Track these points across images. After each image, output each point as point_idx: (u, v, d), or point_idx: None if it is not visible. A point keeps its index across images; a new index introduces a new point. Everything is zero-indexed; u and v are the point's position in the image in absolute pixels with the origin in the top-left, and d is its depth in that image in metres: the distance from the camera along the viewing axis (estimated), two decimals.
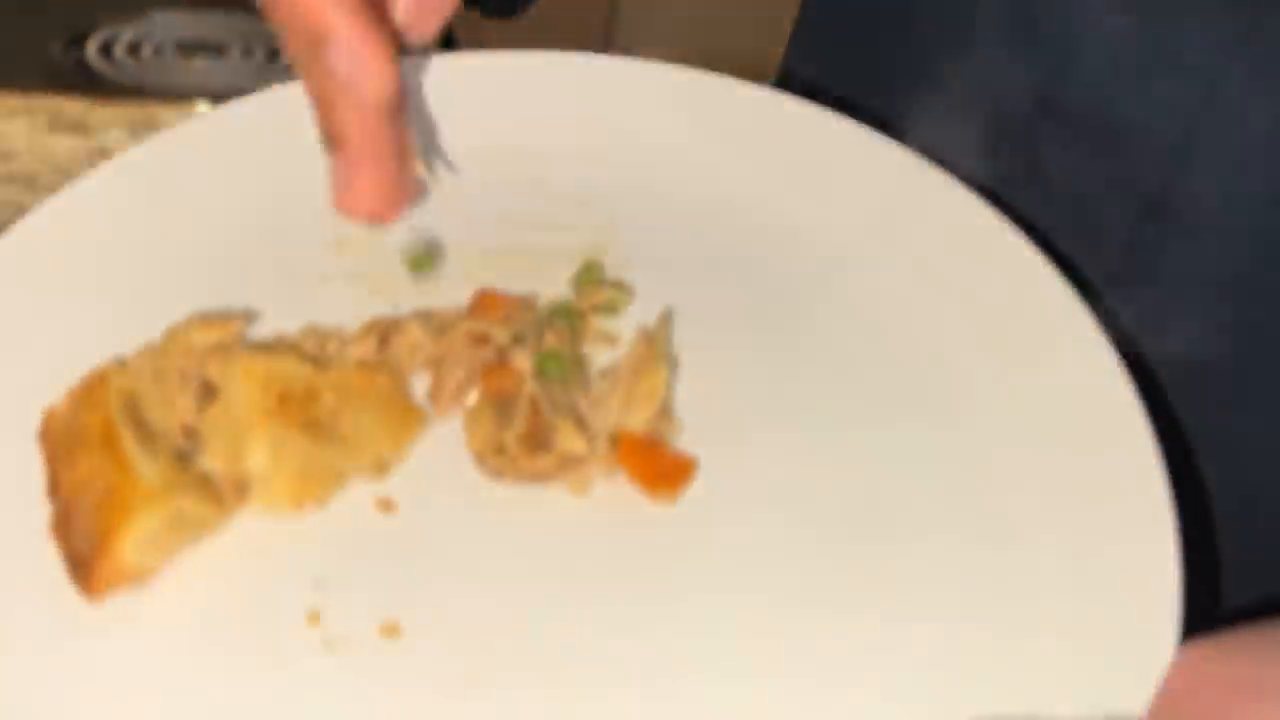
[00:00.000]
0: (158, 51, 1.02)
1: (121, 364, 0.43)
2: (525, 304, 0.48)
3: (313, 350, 0.46)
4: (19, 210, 0.76)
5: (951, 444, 0.45)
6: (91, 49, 0.99)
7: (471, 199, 0.52)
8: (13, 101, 0.91)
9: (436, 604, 0.41)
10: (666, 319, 0.47)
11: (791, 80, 0.70)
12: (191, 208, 0.51)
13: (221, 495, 0.42)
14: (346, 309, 0.48)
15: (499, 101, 0.54)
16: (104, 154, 0.86)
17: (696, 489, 0.44)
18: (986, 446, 0.45)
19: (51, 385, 0.43)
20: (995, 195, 0.51)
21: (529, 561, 0.42)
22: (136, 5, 1.05)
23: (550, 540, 0.43)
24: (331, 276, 0.49)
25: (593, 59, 0.55)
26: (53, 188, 0.79)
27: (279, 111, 0.52)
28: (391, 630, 0.40)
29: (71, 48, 0.99)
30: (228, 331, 0.44)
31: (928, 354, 0.48)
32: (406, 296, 0.49)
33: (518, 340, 0.46)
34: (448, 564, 0.42)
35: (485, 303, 0.48)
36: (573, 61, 0.55)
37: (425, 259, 0.48)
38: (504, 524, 0.43)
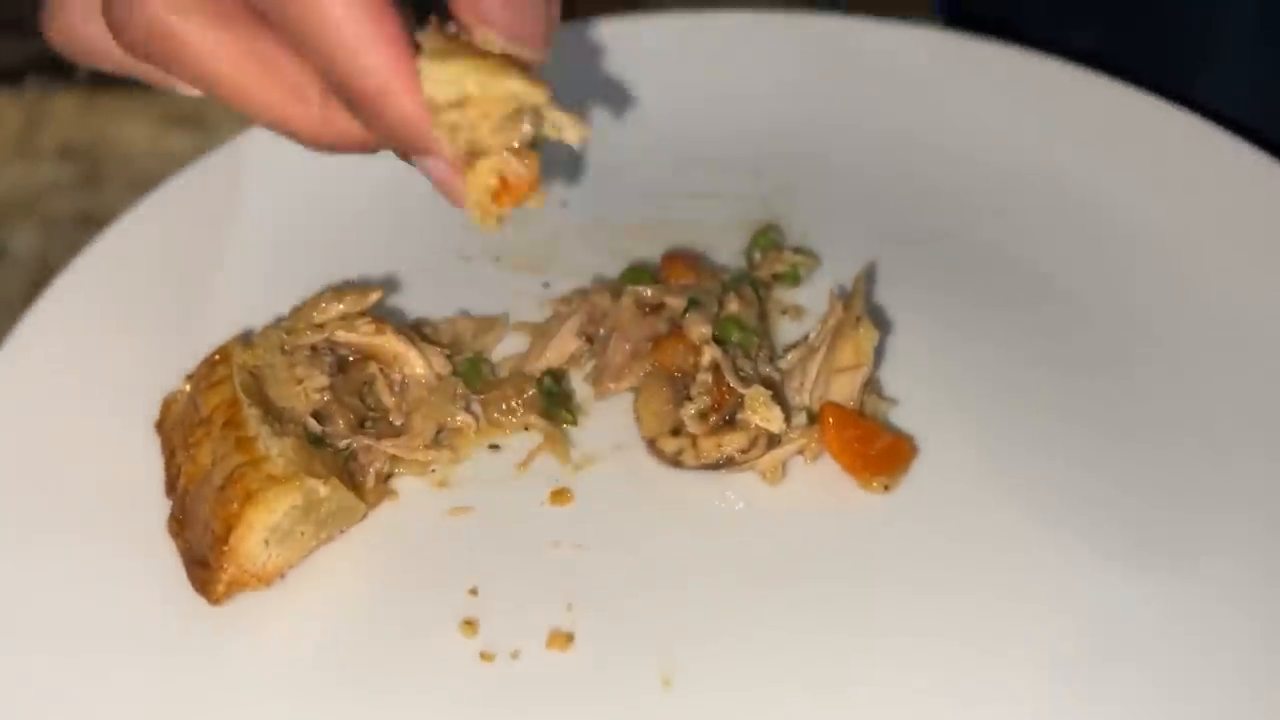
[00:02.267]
0: None
1: (246, 340, 0.38)
2: (712, 270, 0.42)
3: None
4: None
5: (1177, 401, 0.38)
6: None
7: (631, 161, 0.47)
8: (123, 100, 0.91)
9: (612, 611, 0.35)
10: (864, 279, 0.41)
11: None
12: (317, 187, 0.46)
13: (362, 484, 0.36)
14: (490, 288, 0.43)
15: (656, 68, 0.49)
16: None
17: (916, 476, 0.37)
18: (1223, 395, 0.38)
19: (169, 373, 0.38)
20: (1271, 89, 0.47)
21: (715, 562, 0.36)
22: None
23: (740, 537, 0.37)
24: (473, 255, 0.44)
25: (756, 16, 0.50)
26: None
27: None
28: (562, 640, 0.34)
29: None
30: (366, 302, 0.39)
31: (1170, 321, 0.41)
32: (554, 272, 0.44)
33: (695, 306, 0.39)
34: (625, 566, 0.36)
35: (675, 264, 0.43)
36: (738, 19, 0.50)
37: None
38: (693, 520, 0.37)
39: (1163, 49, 0.50)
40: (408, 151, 0.36)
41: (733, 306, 0.40)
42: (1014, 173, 0.46)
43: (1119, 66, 0.48)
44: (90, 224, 0.76)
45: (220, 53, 0.35)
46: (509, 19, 0.34)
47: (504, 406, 0.40)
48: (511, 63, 0.33)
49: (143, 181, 0.81)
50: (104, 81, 0.90)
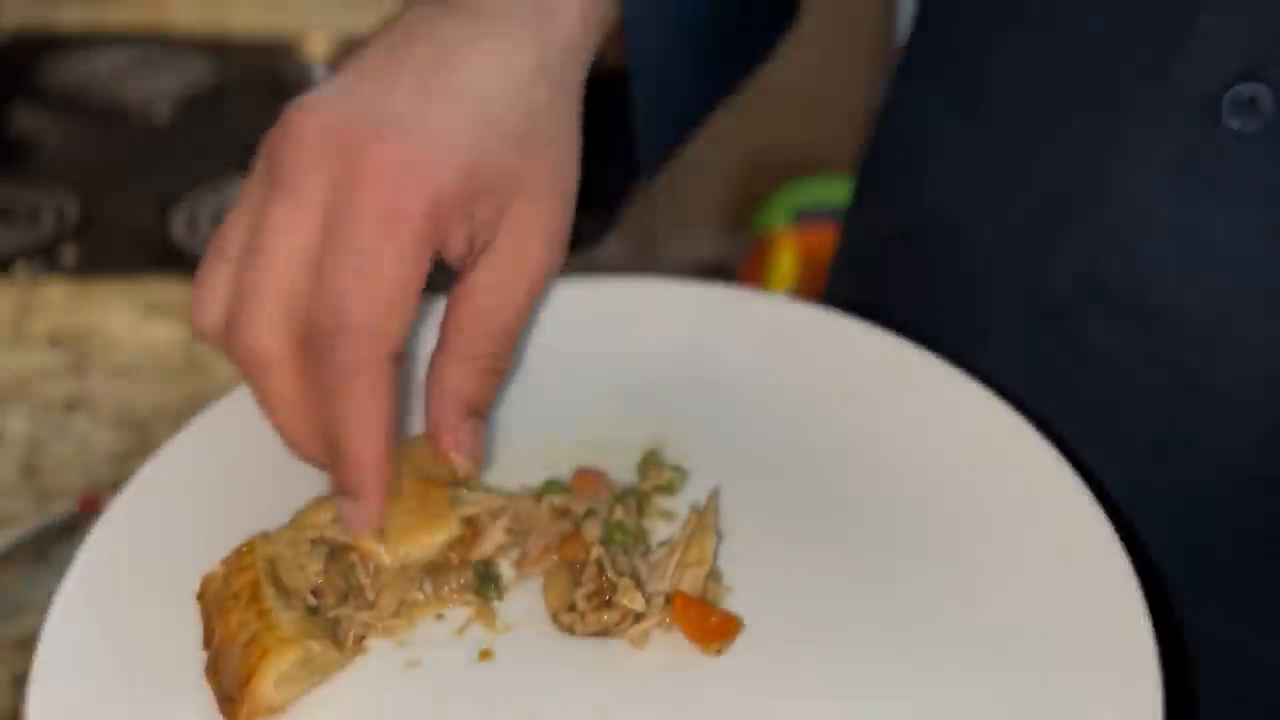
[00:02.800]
0: None
1: (265, 536, 0.53)
2: (606, 482, 0.57)
3: None
4: (127, 405, 0.84)
5: (962, 608, 0.53)
6: (177, 223, 1.08)
7: (555, 398, 0.63)
8: (112, 288, 0.98)
9: None
10: (715, 496, 0.56)
11: (834, 300, 0.80)
12: None
13: (343, 642, 0.51)
14: None
15: (582, 322, 0.66)
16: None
17: (742, 643, 0.52)
18: (986, 593, 0.53)
19: (209, 558, 0.54)
20: (1035, 364, 0.59)
21: (600, 705, 0.50)
22: (216, 172, 1.16)
23: (616, 685, 0.51)
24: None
25: (657, 283, 0.66)
26: (157, 378, 0.87)
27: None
28: None
29: (159, 223, 1.08)
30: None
31: (948, 536, 0.56)
32: (489, 481, 0.58)
33: (590, 514, 0.55)
34: (530, 705, 0.50)
35: (585, 478, 0.58)
36: (640, 285, 0.66)
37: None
38: (578, 671, 0.52)
39: (952, 324, 0.63)
40: (342, 486, 0.50)
41: (619, 514, 0.56)
42: (839, 422, 0.61)
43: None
44: (77, 408, 0.84)
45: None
46: (478, 455, 0.53)
47: (449, 586, 0.55)
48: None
49: (125, 370, 0.88)
50: (90, 272, 0.99)
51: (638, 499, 0.57)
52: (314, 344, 0.47)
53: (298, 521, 0.54)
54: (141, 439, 0.82)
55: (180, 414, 0.84)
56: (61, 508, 0.74)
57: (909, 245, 0.70)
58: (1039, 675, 0.50)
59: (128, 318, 0.95)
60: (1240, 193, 0.52)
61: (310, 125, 0.48)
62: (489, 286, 0.51)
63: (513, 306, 0.52)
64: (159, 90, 1.33)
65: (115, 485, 0.55)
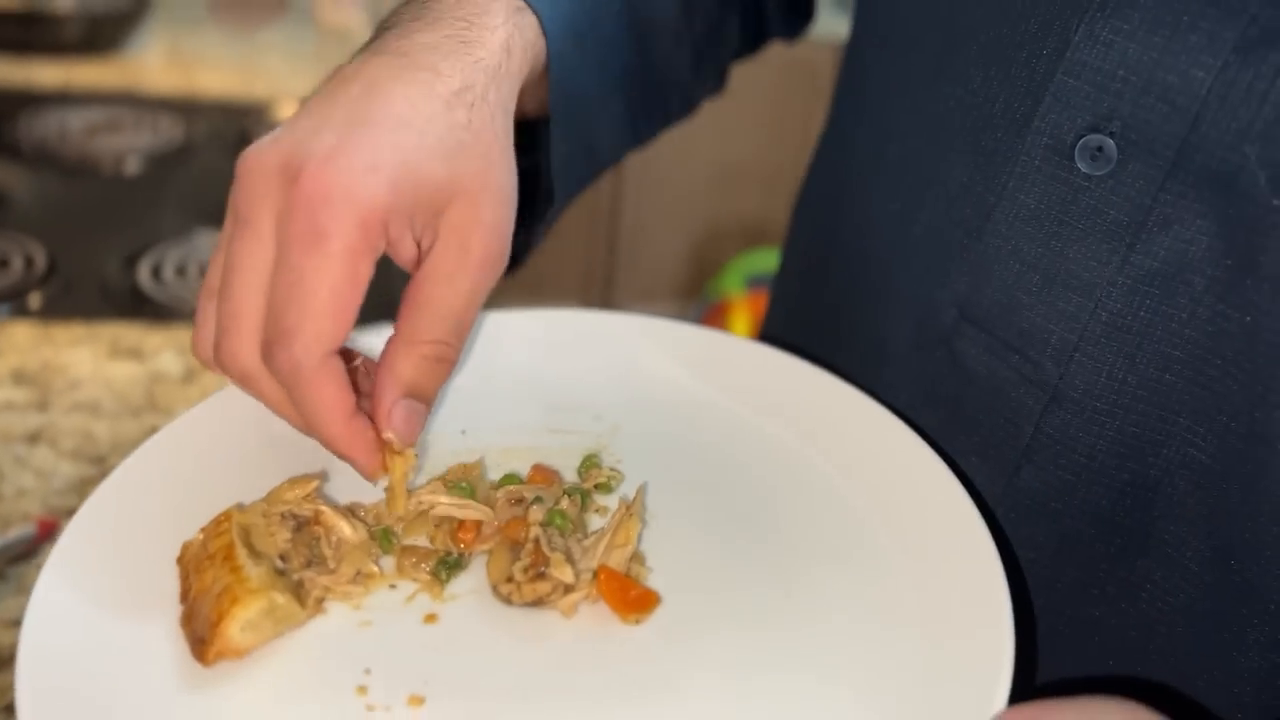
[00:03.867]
0: (201, 271, 1.12)
1: (241, 507, 0.60)
2: (558, 479, 0.65)
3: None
4: (88, 438, 0.87)
5: (853, 592, 0.60)
6: (143, 272, 1.12)
7: (512, 412, 0.71)
8: (77, 330, 1.01)
9: (454, 687, 0.55)
10: (642, 490, 0.64)
11: (768, 334, 0.88)
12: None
13: (305, 601, 0.58)
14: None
15: (535, 348, 0.74)
16: (157, 378, 0.95)
17: (659, 617, 0.59)
18: (874, 579, 0.60)
19: (190, 528, 0.60)
20: (925, 381, 0.66)
21: (529, 663, 0.57)
22: (182, 225, 1.21)
23: (546, 649, 0.57)
24: None
25: (604, 315, 0.75)
26: (117, 414, 0.90)
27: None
28: (417, 701, 0.55)
29: (125, 271, 1.12)
30: (309, 486, 0.61)
31: (845, 532, 0.63)
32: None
33: (537, 500, 0.62)
34: (467, 661, 0.57)
35: (540, 473, 0.65)
36: (590, 316, 0.75)
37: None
38: (512, 635, 0.58)
39: (858, 348, 0.70)
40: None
41: (563, 504, 0.63)
42: (757, 436, 0.69)
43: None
44: (38, 441, 0.87)
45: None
46: (407, 434, 0.59)
47: (411, 561, 0.62)
48: None
49: (85, 406, 0.91)
50: (56, 315, 1.03)
51: (581, 495, 0.64)
52: (266, 353, 0.54)
53: (271, 497, 0.61)
54: (100, 470, 0.84)
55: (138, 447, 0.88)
56: (21, 532, 0.77)
57: (826, 277, 0.76)
58: (914, 647, 0.57)
59: (91, 358, 0.98)
60: (1090, 229, 0.57)
61: (257, 163, 0.54)
62: (435, 278, 0.56)
63: (458, 295, 0.57)
64: (129, 146, 1.39)
65: (73, 512, 0.59)
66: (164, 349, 1.00)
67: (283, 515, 0.60)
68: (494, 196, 0.57)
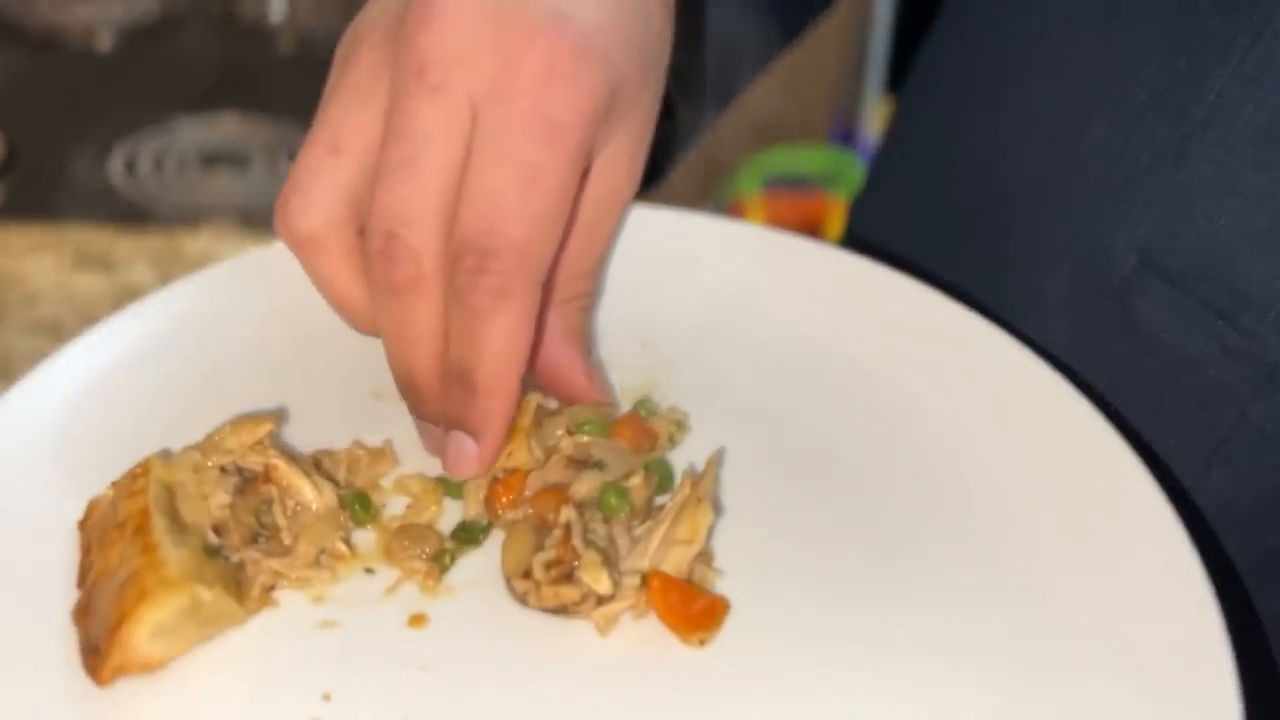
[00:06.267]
0: (181, 166, 1.06)
1: (166, 456, 0.45)
2: (647, 438, 0.50)
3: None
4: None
5: (1005, 608, 0.45)
6: (116, 165, 1.06)
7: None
8: (36, 235, 0.95)
9: None
10: (714, 463, 0.48)
11: (854, 243, 0.72)
12: (256, 322, 0.55)
13: (246, 592, 0.43)
14: (391, 426, 0.51)
15: None
16: (129, 293, 0.89)
17: (729, 634, 0.44)
18: (1039, 612, 0.45)
19: (99, 480, 0.46)
20: (1083, 347, 0.53)
21: (546, 697, 0.43)
22: (161, 113, 1.14)
23: (567, 678, 0.44)
24: (384, 395, 0.52)
25: (655, 210, 0.58)
26: (78, 334, 0.83)
27: None
28: None
29: (94, 165, 1.06)
30: (259, 431, 0.47)
31: (980, 513, 0.48)
32: None
33: (599, 467, 0.47)
34: (460, 688, 0.43)
35: (624, 426, 0.50)
36: (643, 214, 0.58)
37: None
38: (526, 651, 0.44)
39: (991, 306, 0.56)
40: (463, 421, 0.47)
41: (636, 481, 0.47)
42: (862, 378, 0.53)
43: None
44: None
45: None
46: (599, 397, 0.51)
47: (404, 544, 0.47)
48: None
49: (43, 326, 0.87)
50: (10, 214, 0.98)
51: (661, 472, 0.49)
52: (463, 264, 0.45)
53: (209, 444, 0.47)
54: None
55: None
56: None
57: (945, 201, 0.65)
58: (1086, 686, 0.42)
59: (53, 267, 0.92)
60: None
61: (463, 15, 0.45)
62: (582, 225, 0.50)
63: (602, 241, 0.51)
64: (102, 18, 1.30)
65: None
66: (137, 258, 0.94)
67: (222, 469, 0.46)
68: (650, 125, 0.51)
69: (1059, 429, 0.49)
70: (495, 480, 0.48)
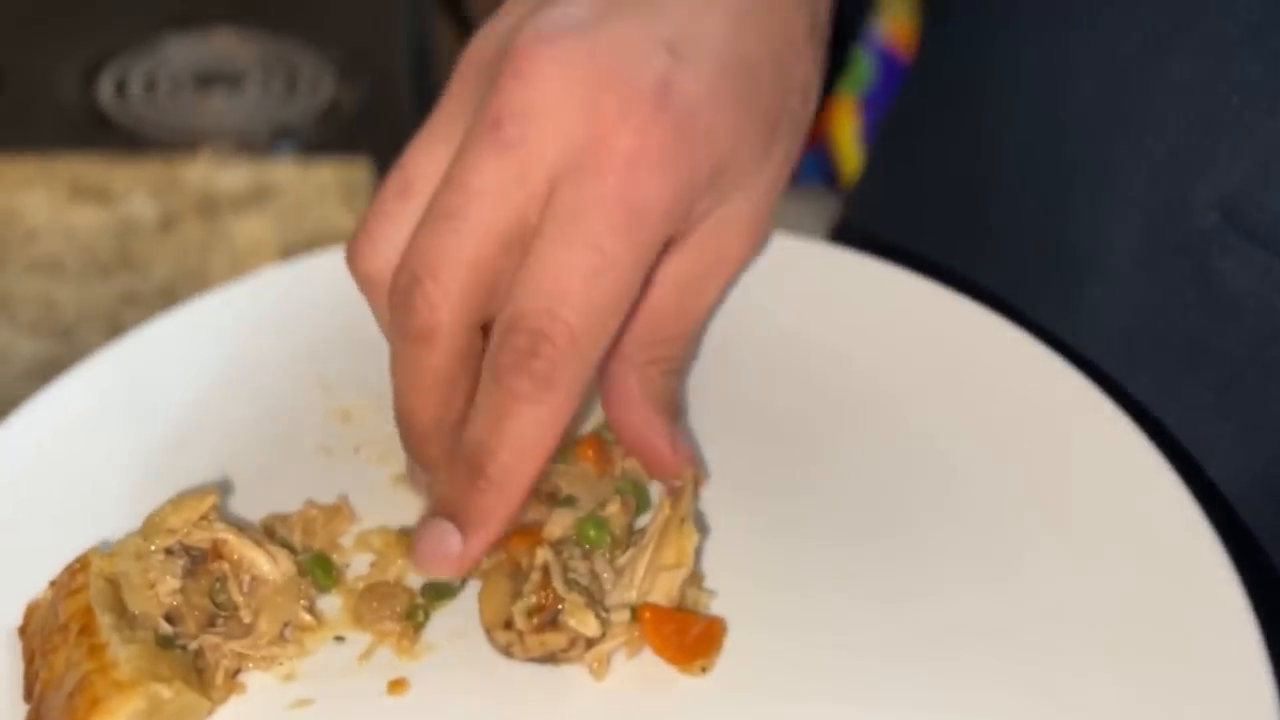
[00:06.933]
0: (173, 87, 1.02)
1: (103, 549, 0.42)
2: (612, 459, 0.47)
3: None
4: (49, 305, 0.77)
5: (1002, 610, 0.42)
6: (105, 87, 1.01)
7: None
8: (29, 168, 0.91)
9: None
10: (689, 479, 0.45)
11: (848, 231, 0.69)
12: (188, 387, 0.51)
13: (209, 681, 0.40)
14: (345, 480, 0.48)
15: None
16: (129, 226, 0.86)
17: (730, 657, 0.42)
18: (1041, 616, 0.42)
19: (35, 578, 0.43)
20: (1152, 311, 0.50)
21: None
22: (152, 26, 1.08)
23: None
24: (334, 449, 0.49)
25: None
26: (80, 273, 0.80)
27: (277, 288, 0.55)
28: None
29: (84, 86, 1.01)
30: (203, 506, 0.43)
31: (981, 511, 0.45)
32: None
33: (569, 503, 0.45)
34: None
35: (585, 447, 0.47)
36: None
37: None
38: (517, 709, 0.41)
39: (1044, 268, 0.54)
40: (456, 508, 0.43)
41: (613, 508, 0.44)
42: (862, 384, 0.50)
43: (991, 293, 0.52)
44: None
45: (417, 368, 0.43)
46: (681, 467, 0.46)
47: (373, 606, 0.44)
48: None
49: (44, 264, 0.82)
50: (5, 147, 0.91)
51: (636, 492, 0.46)
52: (510, 342, 0.42)
53: (150, 526, 0.43)
54: (67, 347, 0.75)
55: (112, 318, 0.78)
56: None
57: (992, 140, 0.60)
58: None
59: (47, 202, 0.87)
60: None
61: (559, 70, 0.42)
62: (681, 284, 0.47)
63: (700, 308, 0.48)
64: None
65: None
66: (135, 189, 0.88)
67: (168, 551, 0.43)
68: (778, 185, 0.48)
69: (1078, 431, 0.47)
70: None
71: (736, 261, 0.48)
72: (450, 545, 0.43)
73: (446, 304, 0.42)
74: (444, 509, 0.43)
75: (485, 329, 0.44)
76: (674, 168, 0.42)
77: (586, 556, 0.43)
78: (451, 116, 0.44)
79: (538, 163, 0.42)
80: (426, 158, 0.44)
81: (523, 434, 0.42)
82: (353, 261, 0.45)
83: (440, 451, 0.44)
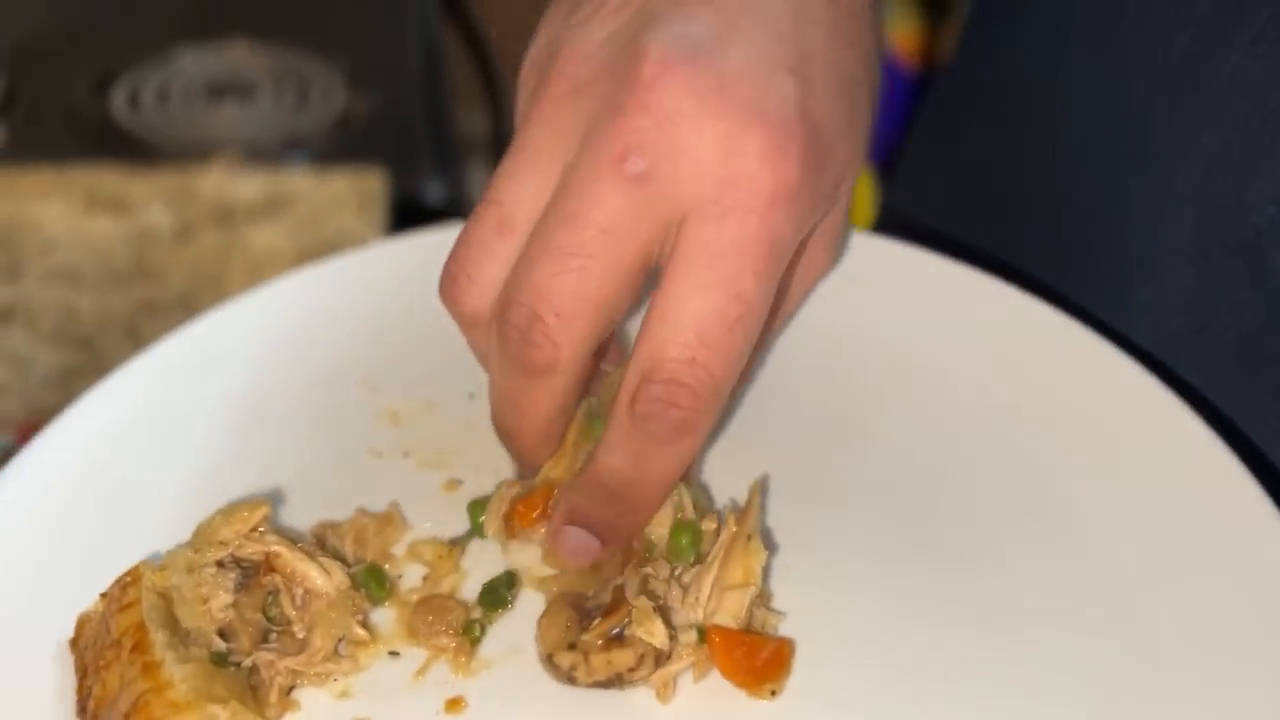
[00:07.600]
0: (185, 98, 1.02)
1: (154, 559, 0.41)
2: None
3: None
4: (68, 314, 0.78)
5: (1086, 640, 0.42)
6: (119, 99, 1.01)
7: None
8: (45, 179, 0.91)
9: None
10: (756, 492, 0.44)
11: (890, 217, 0.68)
12: (233, 391, 0.50)
13: (264, 699, 0.39)
14: (395, 486, 0.47)
15: None
16: (145, 236, 0.87)
17: (798, 679, 0.41)
18: (1119, 623, 0.41)
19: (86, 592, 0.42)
20: (1206, 311, 0.50)
21: None
22: (165, 39, 1.09)
23: None
24: (383, 451, 0.48)
25: None
26: (98, 282, 0.80)
27: (323, 287, 0.54)
28: None
29: (98, 98, 1.02)
30: (254, 518, 0.42)
31: (1062, 522, 0.45)
32: (463, 467, 0.48)
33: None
34: None
35: None
36: None
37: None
38: None
39: (1094, 267, 0.53)
40: (596, 523, 0.43)
41: (709, 523, 0.43)
42: (929, 382, 0.49)
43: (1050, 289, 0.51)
44: (11, 320, 0.81)
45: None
46: None
47: (427, 620, 0.43)
48: None
49: (62, 273, 0.82)
50: (19, 158, 0.93)
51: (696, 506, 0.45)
52: (649, 392, 0.40)
53: (200, 538, 0.42)
54: (88, 356, 0.77)
55: (131, 327, 0.79)
56: None
57: (1042, 133, 0.58)
58: None
59: (64, 212, 0.88)
60: None
61: (688, 100, 0.40)
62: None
63: (779, 320, 0.49)
64: None
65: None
66: (151, 199, 0.89)
67: (219, 564, 0.41)
68: (849, 201, 0.47)
69: (1151, 432, 0.46)
70: (517, 497, 0.45)
71: (820, 274, 0.48)
72: (591, 550, 0.43)
73: (570, 341, 0.41)
74: (579, 520, 0.43)
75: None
76: (808, 197, 0.41)
77: (672, 570, 0.42)
78: (545, 143, 0.42)
79: (668, 199, 0.40)
80: (522, 189, 0.42)
81: (664, 473, 0.42)
82: (453, 300, 0.43)
83: (546, 454, 0.45)
